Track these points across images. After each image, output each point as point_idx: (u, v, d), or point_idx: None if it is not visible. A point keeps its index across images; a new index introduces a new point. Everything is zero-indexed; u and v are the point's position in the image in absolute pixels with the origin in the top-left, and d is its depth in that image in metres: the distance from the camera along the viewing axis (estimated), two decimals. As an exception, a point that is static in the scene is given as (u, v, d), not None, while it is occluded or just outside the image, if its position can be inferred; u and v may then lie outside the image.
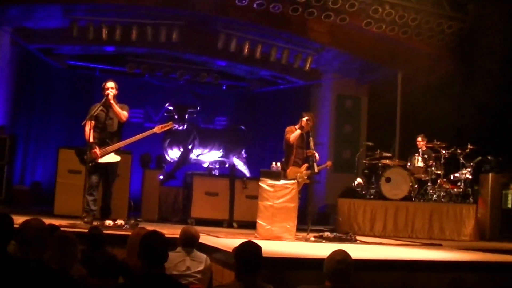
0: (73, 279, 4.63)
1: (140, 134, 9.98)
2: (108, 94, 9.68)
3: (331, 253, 4.71)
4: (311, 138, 10.66)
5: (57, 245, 4.85)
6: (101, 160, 9.59)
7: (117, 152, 9.77)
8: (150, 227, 6.66)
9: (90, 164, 9.53)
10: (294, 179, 10.32)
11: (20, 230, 4.67)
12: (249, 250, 4.88)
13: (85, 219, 9.37)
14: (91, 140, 9.51)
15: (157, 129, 10.08)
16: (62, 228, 6.53)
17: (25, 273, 4.27)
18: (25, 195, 14.75)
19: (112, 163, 9.78)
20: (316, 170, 10.70)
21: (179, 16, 14.78)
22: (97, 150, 9.53)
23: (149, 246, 4.62)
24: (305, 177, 10.56)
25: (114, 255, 6.25)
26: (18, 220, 4.85)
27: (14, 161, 15.16)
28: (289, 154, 10.81)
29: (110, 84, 9.78)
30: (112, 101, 9.71)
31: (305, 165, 10.65)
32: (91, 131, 9.54)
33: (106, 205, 9.87)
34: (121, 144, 9.87)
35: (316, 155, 10.70)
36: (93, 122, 9.59)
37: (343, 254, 4.69)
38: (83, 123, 9.54)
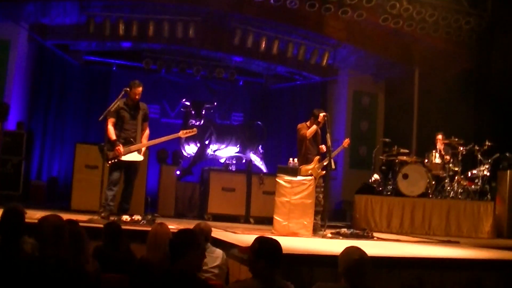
0: (88, 275, 4.63)
1: (164, 137, 10.11)
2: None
3: (344, 250, 4.60)
4: (328, 135, 10.54)
5: (69, 241, 4.85)
6: (124, 158, 9.59)
7: (140, 151, 9.78)
8: (166, 223, 6.64)
9: (112, 161, 9.56)
10: (310, 175, 10.28)
11: (38, 226, 4.68)
12: (270, 245, 4.82)
13: (102, 214, 9.39)
14: (114, 137, 9.53)
15: (181, 133, 10.20)
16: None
17: (42, 271, 4.27)
18: (42, 191, 14.79)
19: (134, 162, 9.79)
20: (333, 166, 10.63)
21: (196, 12, 14.78)
22: (121, 148, 9.52)
23: (181, 243, 4.57)
24: (319, 170, 10.49)
25: (130, 251, 6.25)
26: (36, 215, 4.85)
27: (31, 156, 15.23)
28: (302, 150, 10.70)
29: (139, 90, 9.76)
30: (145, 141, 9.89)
31: (316, 158, 10.52)
32: (112, 128, 9.56)
33: (125, 201, 9.87)
34: (145, 144, 9.90)
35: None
36: (113, 119, 9.60)
37: (358, 251, 4.58)
38: (100, 118, 9.53)
